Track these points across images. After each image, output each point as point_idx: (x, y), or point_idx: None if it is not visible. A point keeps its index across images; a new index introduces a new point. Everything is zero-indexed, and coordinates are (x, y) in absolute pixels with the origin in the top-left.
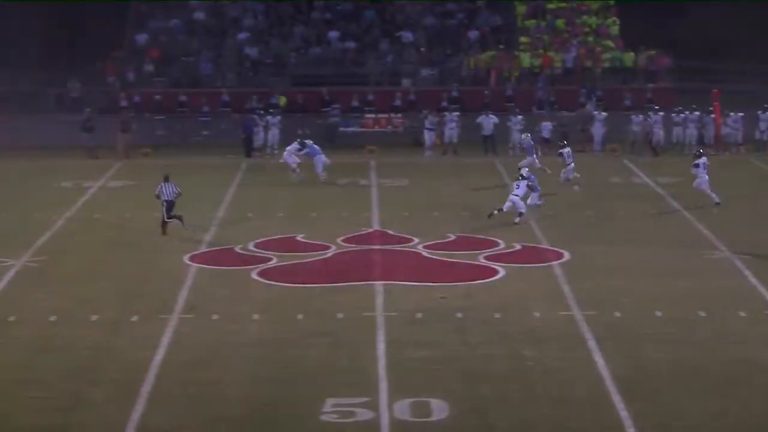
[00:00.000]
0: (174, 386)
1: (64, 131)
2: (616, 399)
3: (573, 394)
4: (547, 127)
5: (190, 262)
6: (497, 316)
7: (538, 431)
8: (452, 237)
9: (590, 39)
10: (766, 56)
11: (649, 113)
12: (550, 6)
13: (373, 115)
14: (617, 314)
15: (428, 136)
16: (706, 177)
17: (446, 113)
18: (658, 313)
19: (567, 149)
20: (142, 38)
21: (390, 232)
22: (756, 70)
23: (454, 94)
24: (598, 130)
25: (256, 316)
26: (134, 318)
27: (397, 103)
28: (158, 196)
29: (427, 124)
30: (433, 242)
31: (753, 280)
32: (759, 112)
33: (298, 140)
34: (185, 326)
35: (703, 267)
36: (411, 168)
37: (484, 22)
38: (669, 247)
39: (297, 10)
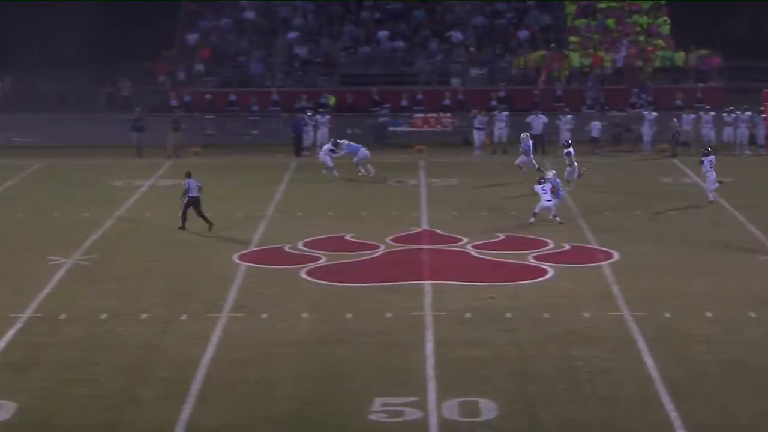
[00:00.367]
0: (223, 385)
1: (115, 130)
2: (666, 399)
3: (622, 395)
4: (596, 127)
5: (240, 261)
6: (546, 316)
7: (587, 431)
8: (501, 237)
9: (641, 38)
10: None
11: (681, 114)
12: (601, 5)
13: (422, 115)
14: (667, 315)
15: (477, 136)
16: (714, 174)
17: (495, 113)
18: (708, 314)
19: (571, 149)
20: (192, 38)
21: (439, 231)
22: None
23: (502, 93)
24: (647, 130)
25: (304, 315)
26: (184, 316)
27: (446, 102)
28: (186, 192)
29: (476, 123)
30: (482, 242)
31: None
32: None
33: (332, 140)
34: (234, 325)
35: (753, 268)
36: (460, 167)
37: (533, 21)
38: (719, 247)
39: (346, 10)
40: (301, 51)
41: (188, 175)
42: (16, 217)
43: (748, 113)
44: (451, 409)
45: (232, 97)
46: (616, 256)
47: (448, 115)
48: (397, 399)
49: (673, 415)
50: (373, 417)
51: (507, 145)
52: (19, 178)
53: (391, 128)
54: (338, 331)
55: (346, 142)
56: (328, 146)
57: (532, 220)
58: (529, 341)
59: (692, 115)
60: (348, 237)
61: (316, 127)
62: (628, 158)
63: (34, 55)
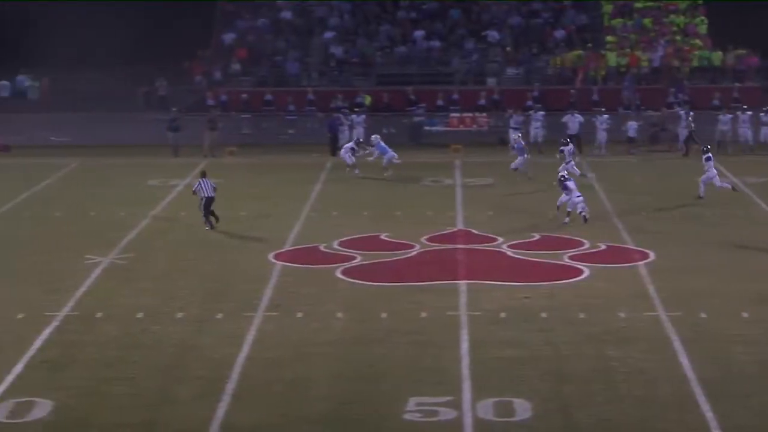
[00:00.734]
0: (258, 384)
1: (151, 130)
2: (701, 400)
3: (658, 395)
4: (632, 127)
5: (275, 261)
6: (582, 316)
7: (622, 431)
8: (537, 236)
9: (678, 38)
10: None
11: (691, 112)
12: (638, 5)
13: (458, 114)
14: (703, 315)
15: (513, 136)
16: (714, 171)
17: (531, 112)
18: (745, 315)
19: (569, 147)
20: (229, 37)
21: (474, 231)
22: None
23: (535, 93)
24: (683, 130)
25: (339, 315)
26: (219, 315)
27: (481, 102)
28: (195, 193)
29: (512, 123)
30: (517, 242)
31: None
32: None
33: (356, 139)
34: (269, 324)
35: None
36: (496, 167)
37: (570, 21)
38: (755, 247)
39: (383, 10)
40: (338, 51)
41: (203, 175)
42: (53, 216)
43: None
44: (486, 409)
45: (268, 97)
46: (652, 256)
47: (484, 114)
48: (432, 399)
49: (709, 415)
50: (407, 417)
51: (543, 145)
52: (56, 177)
53: (426, 128)
54: (373, 331)
55: (378, 138)
56: (350, 145)
57: (566, 219)
58: (564, 341)
59: (729, 116)
60: (383, 236)
61: (351, 127)
62: (664, 158)
63: (71, 55)
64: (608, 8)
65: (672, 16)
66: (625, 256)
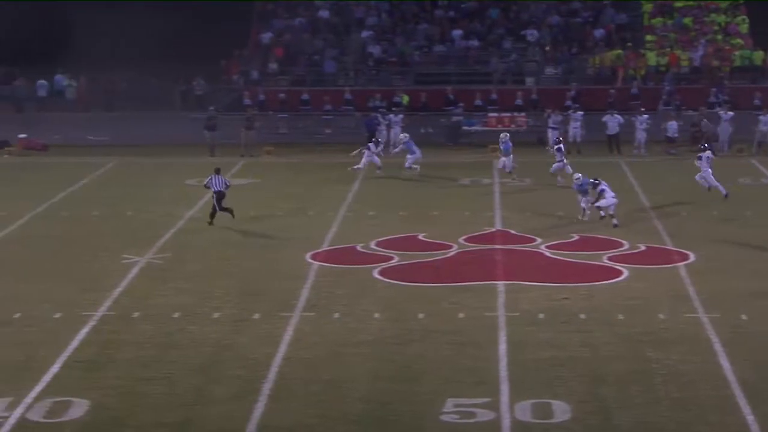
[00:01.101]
0: (295, 384)
1: (188, 129)
2: (742, 403)
3: (697, 397)
4: (672, 126)
5: (312, 260)
6: (620, 317)
7: None
8: (575, 237)
9: (718, 37)
10: None
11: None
12: (678, 4)
13: (496, 114)
14: (743, 317)
15: (552, 135)
16: (710, 170)
17: (570, 112)
18: None
19: (561, 146)
20: (266, 37)
21: (512, 231)
22: None
23: (573, 93)
24: (724, 130)
25: (377, 315)
26: (256, 315)
27: (519, 102)
28: (207, 187)
29: (550, 123)
30: (556, 242)
31: None
32: None
33: (374, 139)
34: (306, 324)
35: None
36: (534, 167)
37: (609, 20)
38: None
39: (421, 8)
40: (375, 50)
41: (217, 172)
42: (90, 215)
43: None
44: (524, 411)
45: (305, 96)
46: (692, 257)
47: (523, 114)
48: (470, 400)
49: (750, 418)
50: (445, 418)
51: (582, 145)
52: (93, 176)
53: (465, 127)
54: (411, 331)
55: (407, 137)
56: (372, 146)
57: (615, 221)
58: (603, 343)
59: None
60: (421, 237)
61: (389, 127)
62: None
63: (108, 55)
64: (648, 7)
65: (713, 15)
66: (664, 257)
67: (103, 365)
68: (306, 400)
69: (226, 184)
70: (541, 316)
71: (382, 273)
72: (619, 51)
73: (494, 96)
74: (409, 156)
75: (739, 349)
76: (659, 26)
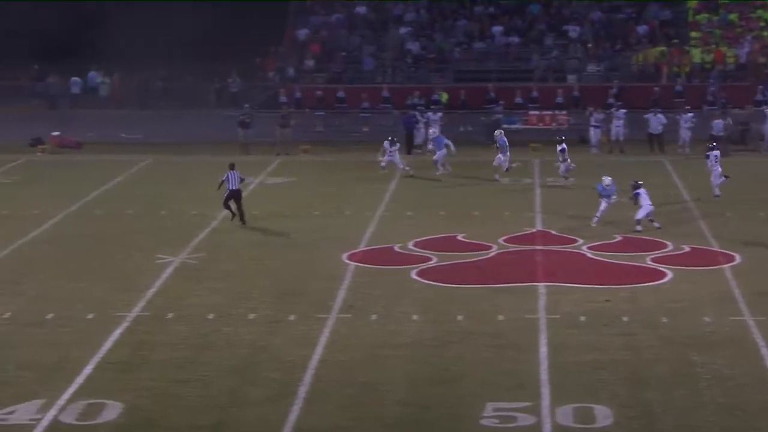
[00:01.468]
0: (331, 387)
1: (223, 127)
2: None
3: (743, 402)
4: (718, 125)
5: (349, 261)
6: (664, 320)
7: None
8: (618, 238)
9: (765, 33)
10: None
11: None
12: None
13: (537, 112)
14: None
15: (594, 134)
16: (719, 169)
17: (613, 110)
18: None
19: (564, 145)
20: (302, 33)
21: (553, 232)
22: None
23: (615, 91)
24: None
25: (415, 317)
26: (292, 317)
27: (559, 100)
28: (222, 183)
29: (592, 121)
30: (598, 243)
31: None
32: None
33: (390, 138)
34: (343, 326)
35: None
36: (576, 166)
37: (653, 16)
38: None
39: (460, 4)
40: (414, 46)
41: (231, 167)
42: (124, 214)
43: None
44: (566, 415)
45: (341, 94)
46: (737, 258)
47: (564, 112)
48: (510, 404)
49: None
50: (484, 422)
51: (624, 144)
52: (127, 174)
53: (505, 126)
54: (449, 333)
55: (436, 131)
56: (386, 144)
57: (657, 224)
58: (646, 346)
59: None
60: (460, 237)
61: (427, 125)
62: (750, 157)
63: (143, 52)
64: (693, 3)
65: (759, 11)
66: (709, 258)
67: (136, 367)
68: (342, 403)
69: (241, 180)
70: (582, 318)
71: (420, 274)
72: (663, 48)
73: (535, 94)
74: (437, 151)
75: None
76: (704, 22)
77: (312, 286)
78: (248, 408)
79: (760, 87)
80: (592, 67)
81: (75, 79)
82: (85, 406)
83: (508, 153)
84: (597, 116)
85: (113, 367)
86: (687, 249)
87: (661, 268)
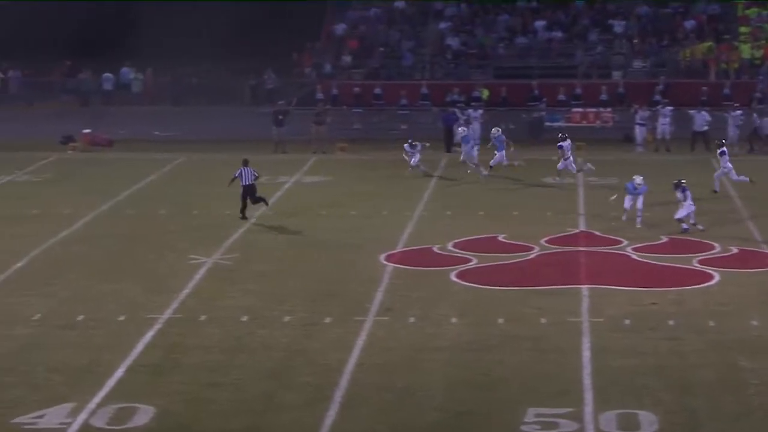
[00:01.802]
0: (368, 391)
1: (258, 124)
2: None
3: None
4: (766, 123)
5: (386, 262)
6: (711, 323)
7: None
8: (664, 239)
9: None
10: None
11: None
12: None
13: (580, 110)
14: None
15: (639, 132)
16: (730, 165)
17: (659, 107)
18: None
19: (567, 142)
20: (340, 28)
21: (597, 233)
22: None
23: (661, 87)
24: None
25: (454, 320)
26: (327, 319)
27: (603, 97)
28: (233, 179)
29: (638, 119)
30: (643, 244)
31: None
32: None
33: (409, 141)
34: (380, 329)
35: None
36: (620, 166)
37: (701, 10)
38: None
39: None
40: (454, 42)
41: (245, 164)
42: (156, 213)
43: None
44: (609, 422)
45: (377, 90)
46: None
47: (609, 110)
48: (552, 410)
49: None
50: (525, 428)
51: (670, 142)
52: (160, 173)
53: (547, 123)
54: (489, 337)
55: (465, 130)
56: (406, 146)
57: (701, 227)
58: (692, 350)
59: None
60: (500, 238)
61: (467, 122)
62: None
63: (176, 47)
64: None
65: None
66: (758, 260)
67: (168, 370)
68: (379, 408)
69: (254, 175)
70: (626, 322)
71: (459, 275)
72: (710, 43)
73: (578, 90)
74: (462, 149)
75: None
76: (754, 17)
77: (349, 287)
78: (282, 413)
79: None
80: (637, 63)
81: (107, 75)
82: (116, 410)
83: (503, 151)
84: (642, 114)
85: (145, 371)
86: (735, 250)
87: (708, 270)
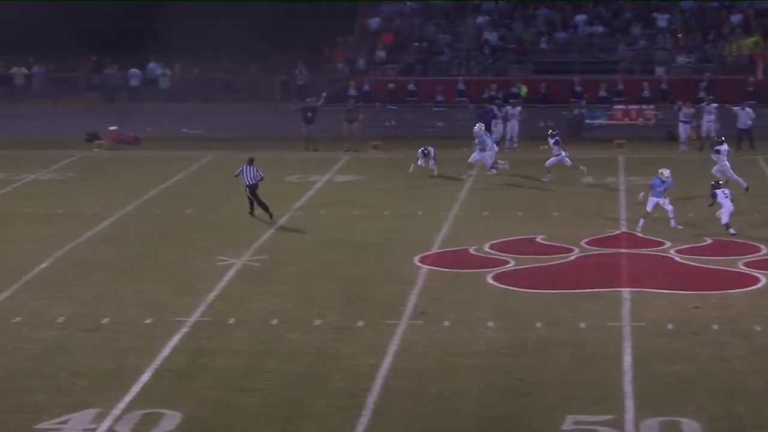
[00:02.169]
0: (401, 397)
1: (289, 121)
2: None
3: None
4: None
5: (421, 264)
6: (758, 328)
7: None
8: (709, 241)
9: None
10: None
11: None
12: None
13: (622, 107)
14: None
15: (683, 130)
16: (727, 164)
17: (703, 104)
18: None
19: (558, 138)
20: (374, 22)
21: (639, 234)
22: None
23: (706, 84)
24: None
25: (490, 323)
26: (360, 323)
27: (647, 93)
28: (237, 176)
29: (681, 116)
30: (687, 246)
31: None
32: None
33: (423, 148)
34: (414, 333)
35: None
36: (664, 164)
37: (748, 4)
38: None
39: None
40: (492, 36)
41: (250, 162)
42: (183, 213)
43: None
44: (651, 429)
45: (411, 87)
46: None
47: (651, 107)
48: (591, 417)
49: None
50: None
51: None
52: (188, 171)
53: (588, 121)
54: (527, 341)
55: (480, 130)
56: (420, 153)
57: (732, 231)
58: (738, 356)
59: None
60: (539, 239)
61: (505, 119)
62: None
63: (205, 42)
64: None
65: None
66: None
67: (196, 375)
68: (412, 414)
69: (259, 176)
70: (669, 326)
71: (496, 278)
72: (757, 37)
73: (620, 87)
74: (476, 154)
75: None
76: None
77: (382, 290)
78: (313, 419)
79: None
80: (681, 59)
81: (134, 70)
82: (142, 416)
83: (490, 151)
84: (686, 111)
85: (171, 375)
86: None
87: (754, 273)
